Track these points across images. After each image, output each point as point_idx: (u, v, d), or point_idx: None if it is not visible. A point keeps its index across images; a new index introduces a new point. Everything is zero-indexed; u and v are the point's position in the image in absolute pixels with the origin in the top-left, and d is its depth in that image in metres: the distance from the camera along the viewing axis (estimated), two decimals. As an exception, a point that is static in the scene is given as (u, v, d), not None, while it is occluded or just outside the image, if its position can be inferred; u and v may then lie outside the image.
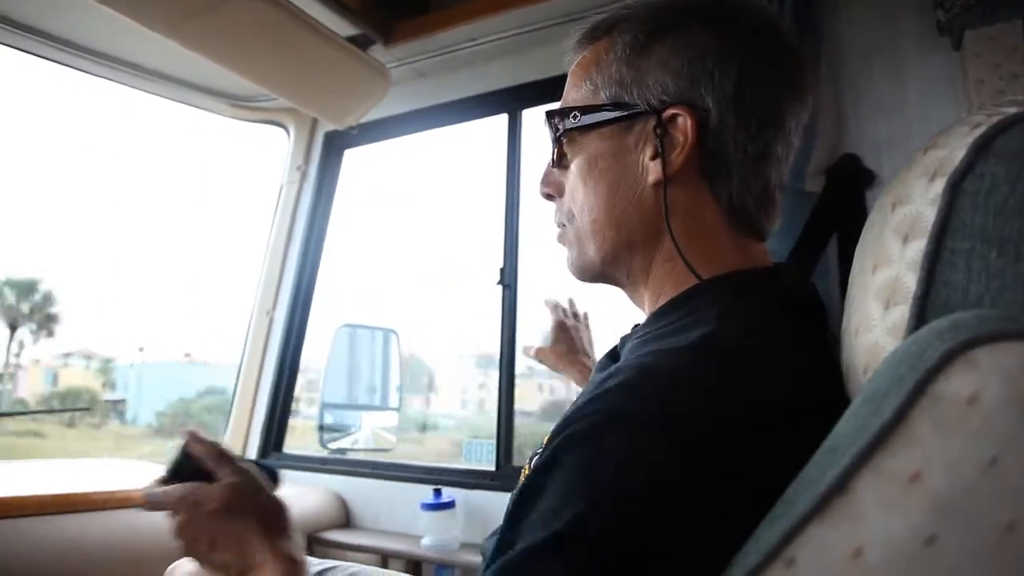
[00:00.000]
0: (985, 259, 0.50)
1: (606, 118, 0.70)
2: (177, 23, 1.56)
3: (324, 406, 2.32)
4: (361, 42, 1.92)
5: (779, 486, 0.49)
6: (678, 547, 0.50)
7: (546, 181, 0.78)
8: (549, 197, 0.79)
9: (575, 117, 0.71)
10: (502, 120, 2.04)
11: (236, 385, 2.35)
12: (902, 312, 0.53)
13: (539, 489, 0.54)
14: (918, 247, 0.53)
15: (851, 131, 1.44)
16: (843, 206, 1.32)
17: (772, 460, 0.52)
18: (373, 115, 2.12)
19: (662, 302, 0.70)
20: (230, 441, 2.31)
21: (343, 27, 1.87)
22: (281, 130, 2.43)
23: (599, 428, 0.54)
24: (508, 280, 1.97)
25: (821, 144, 1.40)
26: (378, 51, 1.98)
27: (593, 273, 0.76)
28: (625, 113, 0.69)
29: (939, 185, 0.53)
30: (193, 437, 0.78)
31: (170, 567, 1.15)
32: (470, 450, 2.03)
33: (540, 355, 1.33)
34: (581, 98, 0.72)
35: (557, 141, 0.74)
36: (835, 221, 1.32)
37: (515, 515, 0.55)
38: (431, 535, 1.73)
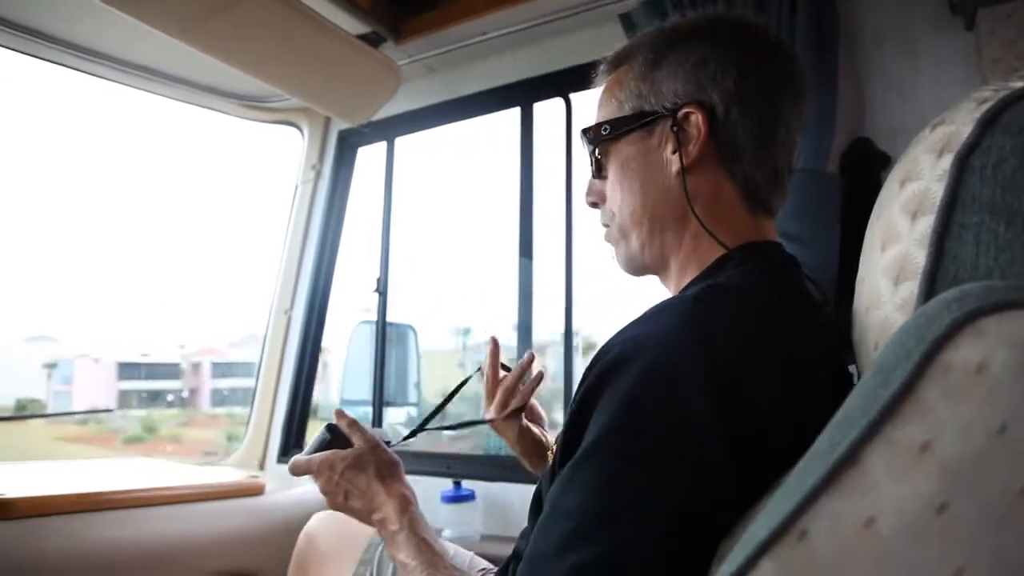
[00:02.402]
0: (994, 232, 0.50)
1: (631, 126, 0.82)
2: (188, 25, 1.58)
3: (343, 402, 2.34)
4: (372, 39, 1.93)
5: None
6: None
7: (589, 191, 0.90)
8: (594, 205, 0.90)
9: (605, 131, 0.84)
10: (515, 114, 2.04)
11: (256, 384, 2.38)
12: (911, 288, 0.53)
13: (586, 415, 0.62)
14: (927, 223, 0.53)
15: (866, 114, 1.43)
16: (857, 190, 1.32)
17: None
18: (385, 112, 2.13)
19: (687, 279, 0.80)
20: (251, 440, 2.34)
21: (354, 25, 1.88)
22: (295, 131, 2.45)
23: (639, 351, 0.61)
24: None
25: (839, 126, 1.39)
26: (389, 48, 1.99)
27: (637, 264, 0.87)
28: (647, 120, 0.81)
29: (947, 161, 0.53)
30: (339, 414, 1.02)
31: (306, 526, 1.29)
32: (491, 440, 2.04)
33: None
34: (608, 114, 0.85)
35: (593, 154, 0.87)
36: (850, 205, 1.31)
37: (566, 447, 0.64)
38: (451, 528, 1.74)
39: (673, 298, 0.67)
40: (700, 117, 0.77)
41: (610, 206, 0.87)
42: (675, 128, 0.78)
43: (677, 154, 0.78)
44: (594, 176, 0.89)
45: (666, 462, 0.57)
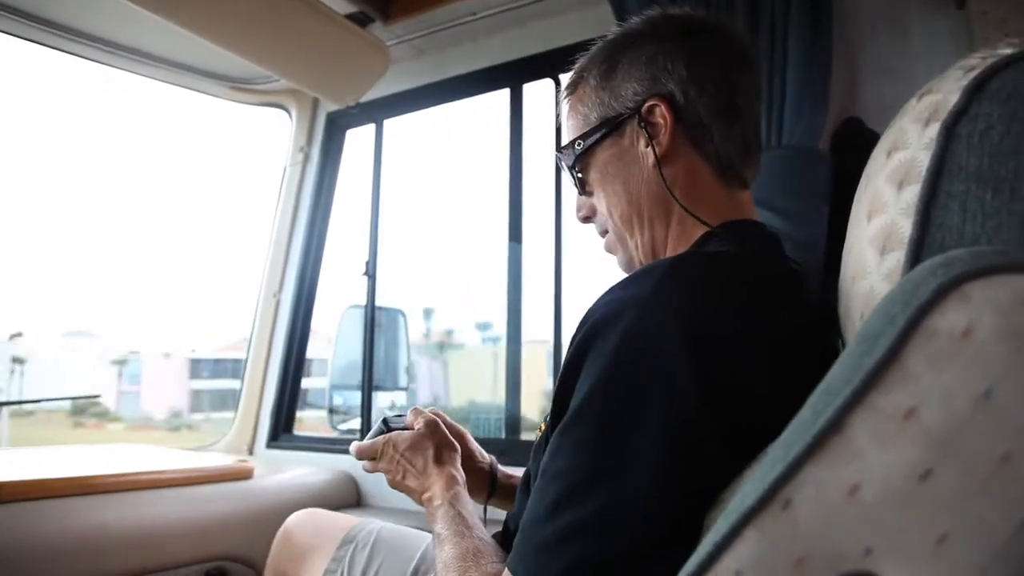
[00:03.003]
0: (980, 200, 0.49)
1: (601, 133, 0.86)
2: (176, 4, 1.56)
3: (333, 388, 2.33)
4: (360, 19, 1.92)
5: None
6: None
7: (579, 208, 0.94)
8: (587, 220, 0.94)
9: (578, 146, 0.87)
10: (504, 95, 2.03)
11: (245, 369, 2.37)
12: (898, 258, 0.53)
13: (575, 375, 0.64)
14: (913, 192, 0.53)
15: (857, 93, 1.42)
16: (847, 168, 1.31)
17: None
18: (374, 94, 2.11)
19: None
20: (239, 425, 2.33)
21: (341, 5, 1.86)
22: (283, 113, 2.43)
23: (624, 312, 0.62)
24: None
25: (832, 106, 1.38)
26: (377, 29, 1.98)
27: (636, 265, 0.88)
28: (614, 123, 0.85)
29: (933, 129, 0.53)
30: (413, 409, 1.07)
31: (284, 523, 1.28)
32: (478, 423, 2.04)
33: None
34: (577, 131, 0.89)
35: (573, 171, 0.90)
36: (840, 183, 1.31)
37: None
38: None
39: (653, 263, 0.69)
40: (663, 107, 0.81)
41: (601, 215, 0.90)
42: (642, 123, 0.82)
43: (650, 147, 0.82)
44: (580, 193, 0.93)
45: (649, 422, 0.58)
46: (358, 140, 2.36)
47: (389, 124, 2.30)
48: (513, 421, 1.94)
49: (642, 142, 0.83)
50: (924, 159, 0.53)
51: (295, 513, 1.29)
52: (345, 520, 1.23)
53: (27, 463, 1.70)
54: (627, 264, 0.90)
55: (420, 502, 0.97)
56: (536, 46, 1.92)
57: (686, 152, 0.83)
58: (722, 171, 0.83)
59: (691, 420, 0.58)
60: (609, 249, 0.92)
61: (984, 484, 0.39)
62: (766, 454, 0.47)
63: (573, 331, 0.67)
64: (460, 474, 0.98)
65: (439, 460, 0.98)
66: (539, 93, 1.95)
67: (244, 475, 1.79)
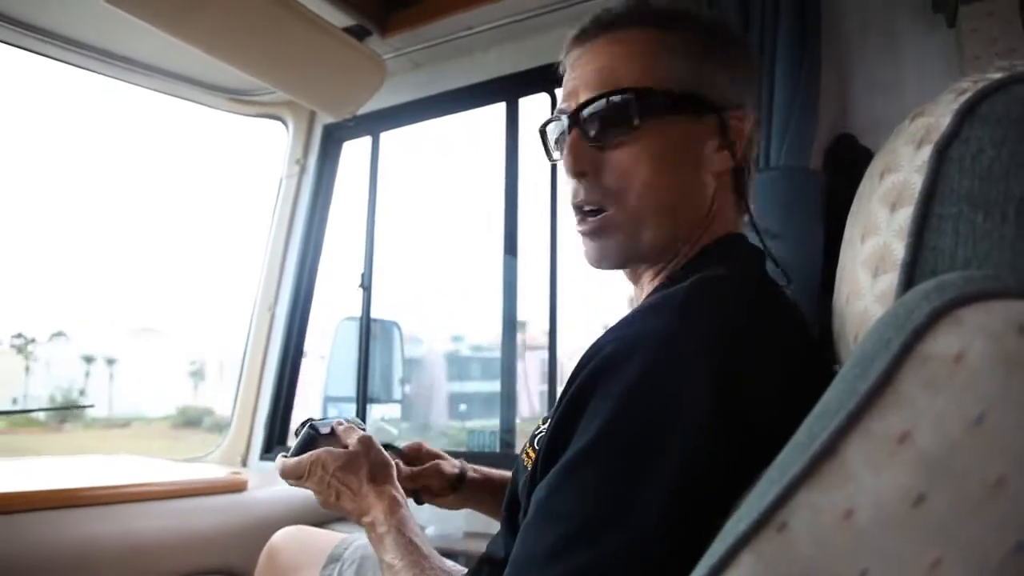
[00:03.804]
0: (972, 223, 0.50)
1: (682, 107, 0.76)
2: (173, 16, 1.56)
3: (327, 399, 2.32)
4: (357, 32, 1.92)
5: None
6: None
7: (580, 157, 0.78)
8: (581, 175, 0.78)
9: (648, 98, 0.75)
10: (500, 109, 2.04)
11: (240, 381, 2.36)
12: (891, 280, 0.53)
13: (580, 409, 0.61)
14: (906, 214, 0.53)
15: (849, 110, 1.44)
16: (840, 185, 1.32)
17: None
18: (370, 106, 2.12)
19: (666, 274, 0.80)
20: (233, 436, 2.32)
21: (339, 18, 1.86)
22: (279, 125, 2.43)
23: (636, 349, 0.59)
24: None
25: (822, 122, 1.39)
26: (375, 42, 1.98)
27: (631, 256, 0.81)
28: (701, 105, 0.77)
29: (926, 152, 0.53)
30: (338, 421, 1.03)
31: (269, 541, 1.26)
32: (473, 439, 2.04)
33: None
34: (652, 81, 0.75)
35: (614, 116, 0.76)
36: (834, 201, 1.32)
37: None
38: (434, 525, 1.73)
39: (663, 296, 0.64)
40: (751, 123, 0.79)
41: (615, 183, 0.77)
42: (722, 126, 0.77)
43: (724, 153, 0.78)
44: (599, 138, 0.77)
45: (667, 463, 0.55)
46: (354, 153, 2.37)
47: (385, 137, 2.31)
48: (508, 436, 1.94)
49: (713, 143, 0.78)
50: (917, 181, 0.53)
51: (280, 531, 1.27)
52: (330, 536, 1.21)
53: (13, 474, 1.68)
54: (618, 252, 0.80)
55: (359, 524, 0.93)
56: (532, 61, 1.92)
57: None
58: (739, 194, 0.82)
59: (711, 463, 0.55)
60: (604, 226, 0.78)
61: (977, 508, 0.39)
62: (762, 478, 0.47)
63: (577, 363, 0.63)
64: (400, 494, 0.93)
65: (374, 480, 0.93)
66: (535, 107, 1.96)
67: (238, 487, 1.78)
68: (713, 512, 0.54)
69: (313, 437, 1.00)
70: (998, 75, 0.53)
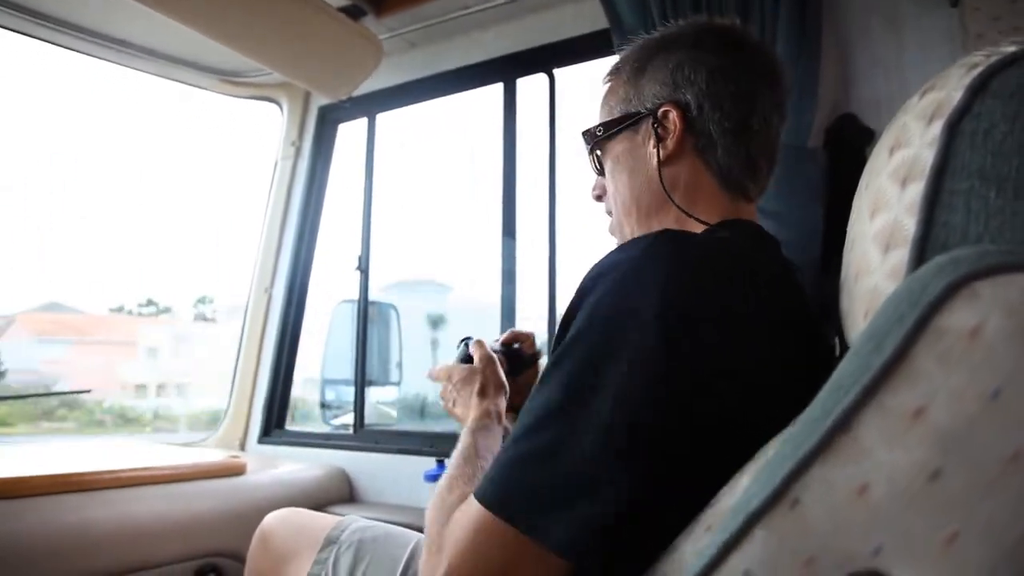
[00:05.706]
0: (984, 198, 0.49)
1: (620, 126, 0.92)
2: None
3: (325, 382, 2.32)
4: (353, 12, 1.90)
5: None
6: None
7: (595, 186, 1.02)
8: (599, 198, 1.01)
9: (599, 132, 0.95)
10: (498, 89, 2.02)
11: (237, 363, 2.36)
12: (901, 255, 0.53)
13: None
14: (916, 190, 0.53)
15: (851, 89, 1.43)
16: (842, 164, 1.32)
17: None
18: (366, 87, 2.10)
19: None
20: (231, 420, 2.32)
21: (333, -3, 1.84)
22: (274, 106, 2.41)
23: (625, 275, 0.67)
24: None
25: (823, 101, 1.38)
26: (370, 22, 1.96)
27: None
28: (632, 120, 0.91)
29: (937, 127, 0.53)
30: (476, 341, 1.14)
31: (260, 526, 1.27)
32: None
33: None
34: (603, 118, 0.96)
35: (592, 152, 0.98)
36: (835, 179, 1.31)
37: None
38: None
39: (636, 237, 0.73)
40: (676, 114, 0.87)
41: (609, 199, 0.97)
42: (655, 125, 0.88)
43: (656, 148, 0.88)
44: (597, 173, 1.00)
45: (612, 371, 0.63)
46: (350, 134, 2.35)
47: (382, 118, 2.29)
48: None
49: (651, 142, 0.89)
50: (928, 156, 0.53)
51: (272, 513, 1.26)
52: (326, 519, 1.21)
53: (9, 458, 1.68)
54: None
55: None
56: (530, 40, 1.90)
57: (691, 158, 0.88)
58: (724, 181, 0.88)
59: (650, 381, 0.62)
60: (611, 231, 0.99)
61: (993, 483, 0.39)
62: (771, 451, 0.47)
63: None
64: (498, 409, 1.04)
65: (483, 394, 1.05)
66: (533, 87, 1.94)
67: (236, 471, 1.79)
68: (657, 431, 0.61)
69: (467, 355, 1.13)
70: (1011, 49, 0.52)
